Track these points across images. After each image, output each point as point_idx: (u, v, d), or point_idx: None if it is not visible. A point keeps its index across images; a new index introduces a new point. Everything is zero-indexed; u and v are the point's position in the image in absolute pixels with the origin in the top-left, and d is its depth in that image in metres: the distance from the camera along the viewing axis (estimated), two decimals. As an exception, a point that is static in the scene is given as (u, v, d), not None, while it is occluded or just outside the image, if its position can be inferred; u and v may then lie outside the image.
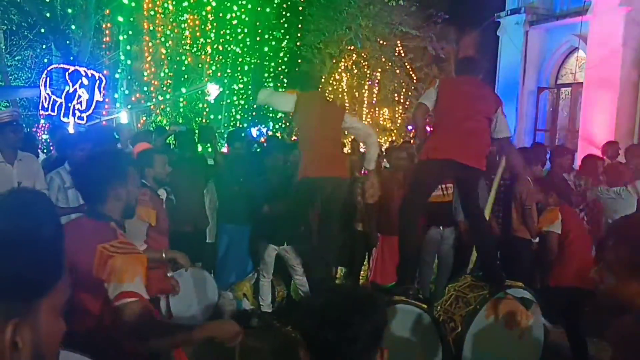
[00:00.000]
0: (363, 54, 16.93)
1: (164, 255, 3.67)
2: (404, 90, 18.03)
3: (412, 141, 10.02)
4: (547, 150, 7.16)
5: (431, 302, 4.25)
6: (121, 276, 2.13)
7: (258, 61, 14.89)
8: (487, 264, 4.34)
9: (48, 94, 9.99)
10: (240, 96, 14.60)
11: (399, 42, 17.28)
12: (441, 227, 5.98)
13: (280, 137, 14.05)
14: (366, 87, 17.57)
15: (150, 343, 2.15)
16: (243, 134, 8.04)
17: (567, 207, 5.13)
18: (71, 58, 11.38)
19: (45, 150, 8.29)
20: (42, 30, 12.28)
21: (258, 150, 7.72)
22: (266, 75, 15.33)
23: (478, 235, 4.46)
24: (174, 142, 7.96)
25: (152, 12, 12.22)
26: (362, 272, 7.14)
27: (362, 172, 7.74)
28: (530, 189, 5.87)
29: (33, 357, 0.95)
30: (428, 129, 4.81)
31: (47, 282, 0.98)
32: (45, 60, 11.98)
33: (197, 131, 8.03)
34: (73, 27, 11.53)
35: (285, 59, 15.72)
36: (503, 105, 4.39)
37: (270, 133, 15.25)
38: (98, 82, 10.35)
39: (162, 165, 4.64)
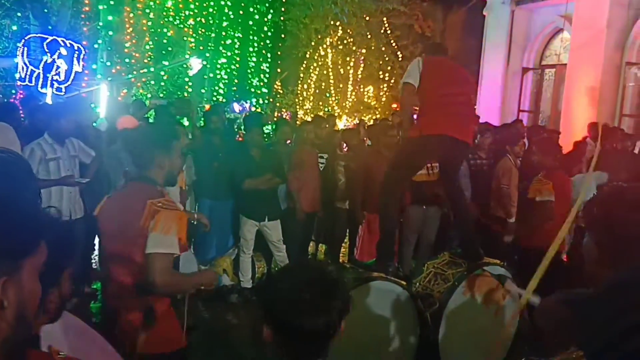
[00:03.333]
0: (349, 30, 16.76)
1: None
2: (389, 67, 17.91)
3: (390, 119, 9.97)
4: (523, 127, 7.23)
5: (410, 279, 4.26)
6: (164, 229, 2.52)
7: (242, 35, 14.68)
8: (466, 242, 4.37)
9: (25, 63, 9.77)
10: (224, 71, 14.41)
11: (385, 19, 17.13)
12: (424, 207, 5.98)
13: (262, 113, 13.97)
14: (351, 63, 17.45)
15: (161, 291, 2.60)
16: (224, 108, 7.95)
17: (557, 172, 5.28)
18: (50, 27, 11.12)
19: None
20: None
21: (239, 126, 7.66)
22: (250, 50, 15.13)
23: (458, 213, 4.48)
24: (153, 116, 7.86)
25: (133, -18, 11.97)
26: (342, 250, 7.18)
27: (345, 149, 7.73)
28: (507, 168, 5.92)
29: (17, 316, 0.95)
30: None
31: (33, 240, 1.00)
32: (15, 28, 11.64)
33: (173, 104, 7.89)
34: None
35: (270, 34, 15.51)
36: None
37: (252, 108, 15.12)
38: (77, 52, 10.15)
39: None
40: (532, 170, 6.07)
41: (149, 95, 12.59)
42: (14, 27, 11.23)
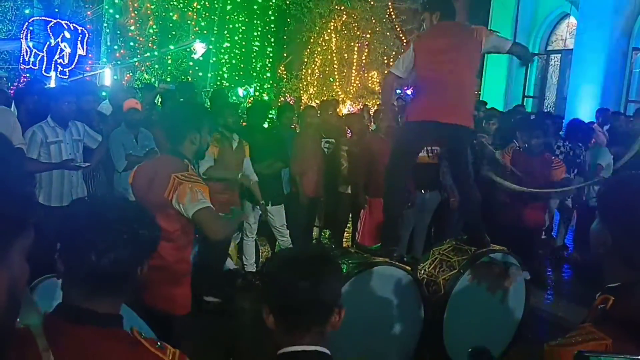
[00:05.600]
0: (353, 15, 16.64)
1: None
2: (394, 53, 17.78)
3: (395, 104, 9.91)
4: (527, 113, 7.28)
5: (414, 265, 4.26)
6: (193, 195, 2.81)
7: (246, 19, 14.58)
8: (472, 228, 4.35)
9: (29, 47, 9.74)
10: (228, 55, 14.34)
11: (389, 3, 17.01)
12: (422, 191, 5.94)
13: (264, 99, 13.92)
14: (356, 49, 17.34)
15: (219, 238, 3.04)
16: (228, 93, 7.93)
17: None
18: (57, 10, 11.06)
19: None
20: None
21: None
22: (255, 34, 15.03)
23: (465, 199, 4.45)
24: (160, 101, 7.85)
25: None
26: (345, 234, 7.19)
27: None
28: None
29: (9, 294, 0.96)
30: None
31: (24, 220, 1.00)
32: (27, 12, 11.59)
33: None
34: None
35: (274, 18, 15.38)
36: (485, 30, 4.09)
37: (257, 93, 15.05)
38: (81, 36, 10.11)
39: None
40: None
41: (151, 79, 12.54)
42: (27, 11, 11.11)
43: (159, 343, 1.40)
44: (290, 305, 1.61)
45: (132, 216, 1.47)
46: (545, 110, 12.59)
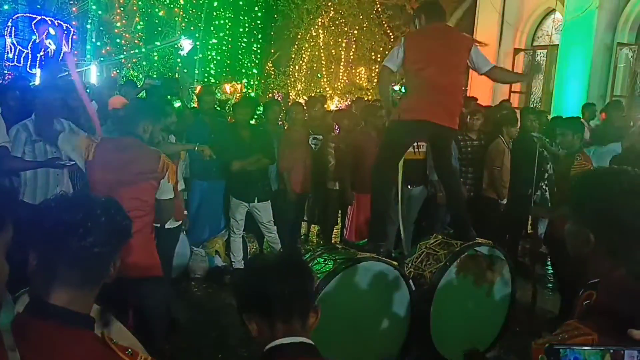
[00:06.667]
0: (340, 11, 16.64)
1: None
2: (381, 48, 17.80)
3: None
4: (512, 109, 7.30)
5: (401, 259, 4.28)
6: (170, 179, 3.39)
7: (232, 15, 14.54)
8: (458, 222, 4.39)
9: (13, 43, 9.65)
10: (215, 51, 14.29)
11: (376, -1, 17.04)
12: (409, 186, 5.96)
13: (251, 95, 13.89)
14: (343, 45, 17.34)
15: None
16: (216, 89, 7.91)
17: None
18: (39, 7, 10.97)
19: None
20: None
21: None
22: (241, 30, 14.98)
23: (450, 193, 4.49)
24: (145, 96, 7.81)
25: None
26: (335, 231, 7.20)
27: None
28: (500, 150, 5.93)
29: None
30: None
31: (3, 216, 1.01)
32: (6, 8, 11.48)
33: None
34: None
35: (260, 14, 15.35)
36: (475, 41, 4.32)
37: (244, 90, 15.01)
38: (65, 32, 10.03)
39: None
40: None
41: (138, 76, 12.48)
42: (6, 7, 10.99)
43: (129, 350, 1.37)
44: (269, 303, 1.64)
45: (107, 205, 1.48)
46: (532, 106, 12.67)
